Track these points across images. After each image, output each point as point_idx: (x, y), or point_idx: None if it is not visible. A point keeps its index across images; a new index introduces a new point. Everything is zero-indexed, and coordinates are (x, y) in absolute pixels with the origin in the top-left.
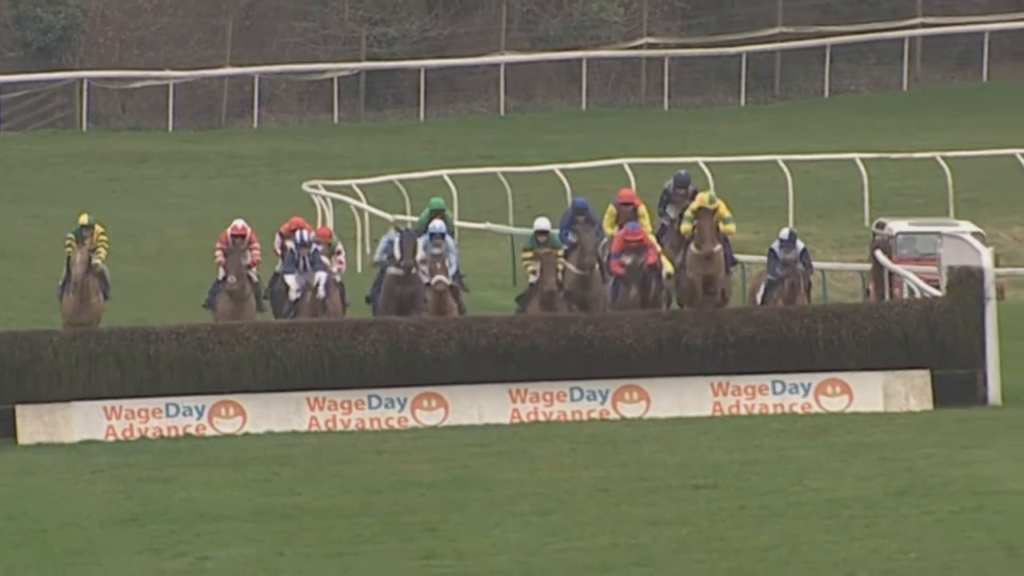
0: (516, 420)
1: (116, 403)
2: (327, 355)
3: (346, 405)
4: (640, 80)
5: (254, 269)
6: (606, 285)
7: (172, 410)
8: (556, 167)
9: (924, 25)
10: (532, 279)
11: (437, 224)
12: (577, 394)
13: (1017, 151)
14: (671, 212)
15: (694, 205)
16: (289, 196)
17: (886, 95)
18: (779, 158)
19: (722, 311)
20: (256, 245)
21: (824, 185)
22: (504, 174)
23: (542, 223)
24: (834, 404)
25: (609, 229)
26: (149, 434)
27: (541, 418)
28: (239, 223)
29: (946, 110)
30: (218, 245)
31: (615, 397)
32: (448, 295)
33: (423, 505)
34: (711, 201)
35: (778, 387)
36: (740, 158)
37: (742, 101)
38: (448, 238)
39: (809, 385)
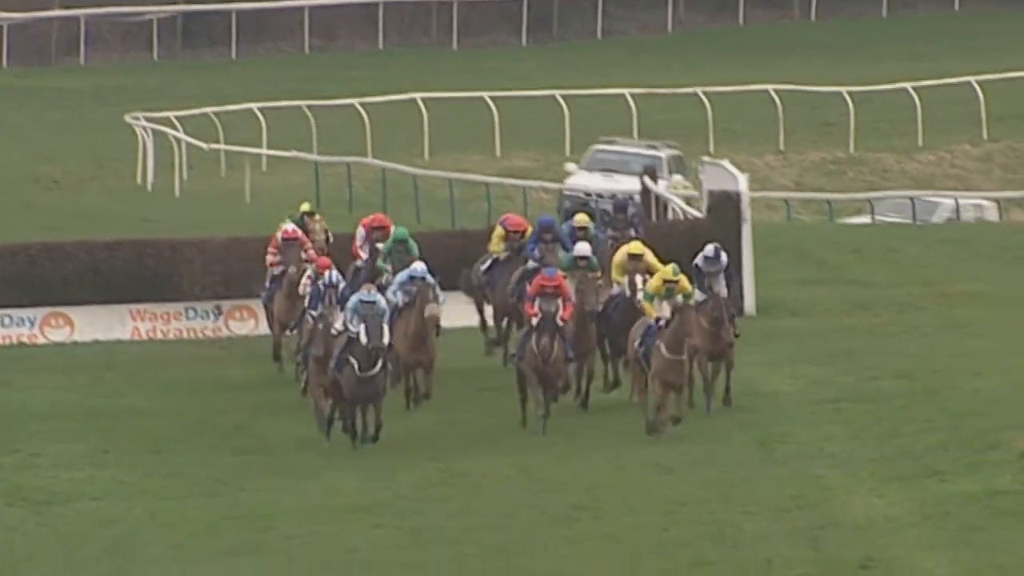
0: None
1: None
2: (148, 271)
3: (165, 316)
4: (432, 22)
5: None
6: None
7: (7, 321)
8: (355, 101)
9: None
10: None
11: (419, 267)
12: None
13: (770, 86)
14: (611, 233)
15: (655, 282)
16: (113, 127)
17: (653, 37)
18: (556, 93)
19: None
20: (309, 246)
21: (598, 118)
22: (308, 107)
23: (582, 248)
24: None
25: (495, 247)
26: None
27: None
28: (289, 227)
29: (707, 50)
30: (270, 249)
31: None
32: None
33: (236, 406)
34: (675, 273)
35: None
36: (522, 93)
37: (523, 41)
38: (429, 277)
39: None
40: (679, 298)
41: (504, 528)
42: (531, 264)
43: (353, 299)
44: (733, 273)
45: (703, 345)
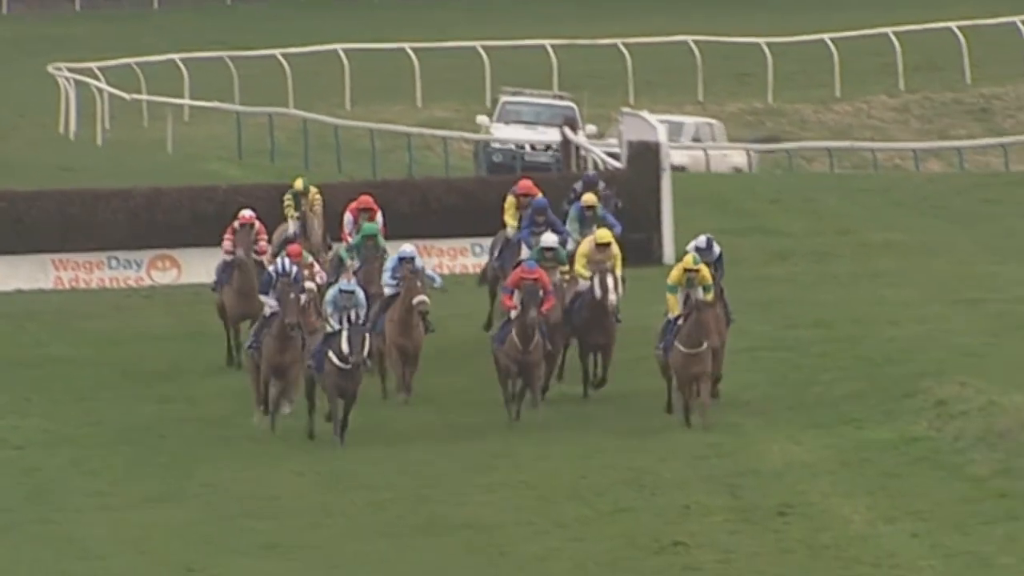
0: None
1: None
2: (70, 220)
3: (87, 266)
4: None
5: (264, 257)
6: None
7: None
8: (277, 52)
9: None
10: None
11: (408, 248)
12: None
13: (689, 38)
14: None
15: (675, 273)
16: (36, 77)
17: None
18: (477, 44)
19: (423, 179)
20: (264, 237)
21: (518, 69)
22: (230, 58)
23: (549, 239)
24: None
25: (511, 221)
26: None
27: None
28: (247, 213)
29: (627, 2)
30: (226, 235)
31: None
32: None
33: (159, 356)
34: (695, 262)
35: (476, 249)
36: (442, 44)
37: None
38: (418, 259)
39: None
40: (700, 291)
41: (422, 475)
42: (548, 241)
43: (332, 290)
44: (722, 263)
45: (713, 343)
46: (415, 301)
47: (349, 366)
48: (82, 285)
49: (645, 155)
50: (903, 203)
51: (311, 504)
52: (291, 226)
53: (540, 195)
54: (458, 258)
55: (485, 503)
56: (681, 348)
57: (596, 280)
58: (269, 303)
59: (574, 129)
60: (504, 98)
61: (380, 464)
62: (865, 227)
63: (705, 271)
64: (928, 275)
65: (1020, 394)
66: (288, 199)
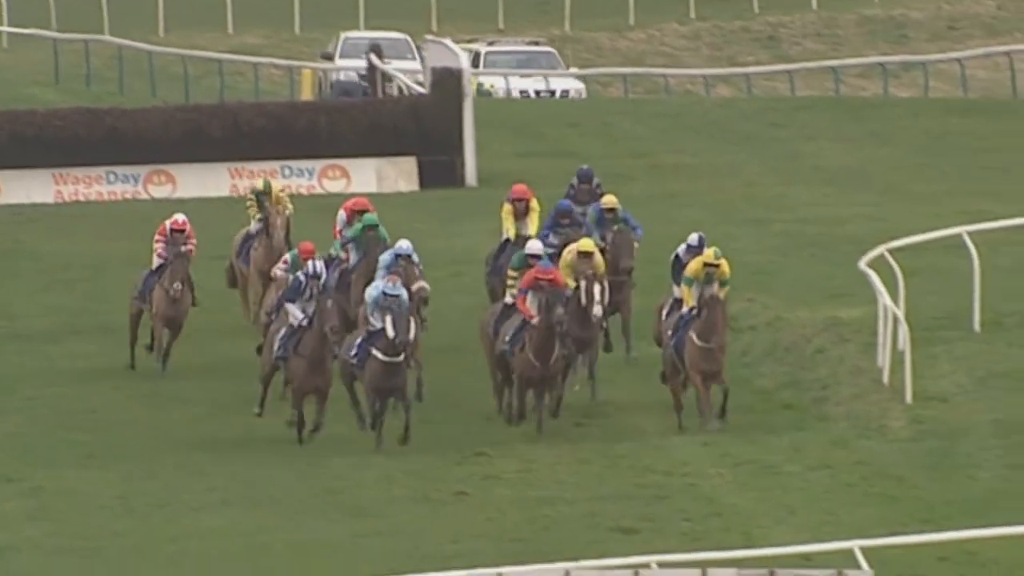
0: (60, 200)
1: None
2: None
3: None
4: None
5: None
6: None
7: None
8: None
9: None
10: (508, 299)
11: (404, 244)
12: (112, 177)
13: None
14: (576, 208)
15: (694, 265)
16: None
17: None
18: None
19: (234, 104)
20: (193, 240)
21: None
22: None
23: (534, 246)
24: (336, 186)
25: (510, 228)
26: None
27: (81, 198)
28: (180, 217)
29: None
30: (157, 237)
31: (146, 180)
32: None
33: None
34: (716, 257)
35: (287, 171)
36: None
37: None
38: (415, 256)
39: (313, 170)
40: (715, 287)
41: (235, 389)
42: (533, 248)
43: (375, 291)
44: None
45: (723, 340)
46: (415, 287)
47: (396, 359)
48: None
49: (448, 81)
50: (694, 127)
51: (129, 418)
52: (252, 226)
53: (566, 201)
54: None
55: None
56: (696, 341)
57: (583, 287)
58: (295, 313)
59: (380, 56)
60: (345, 34)
61: (196, 380)
62: (658, 150)
63: (725, 266)
64: (718, 196)
65: (805, 310)
66: (250, 199)
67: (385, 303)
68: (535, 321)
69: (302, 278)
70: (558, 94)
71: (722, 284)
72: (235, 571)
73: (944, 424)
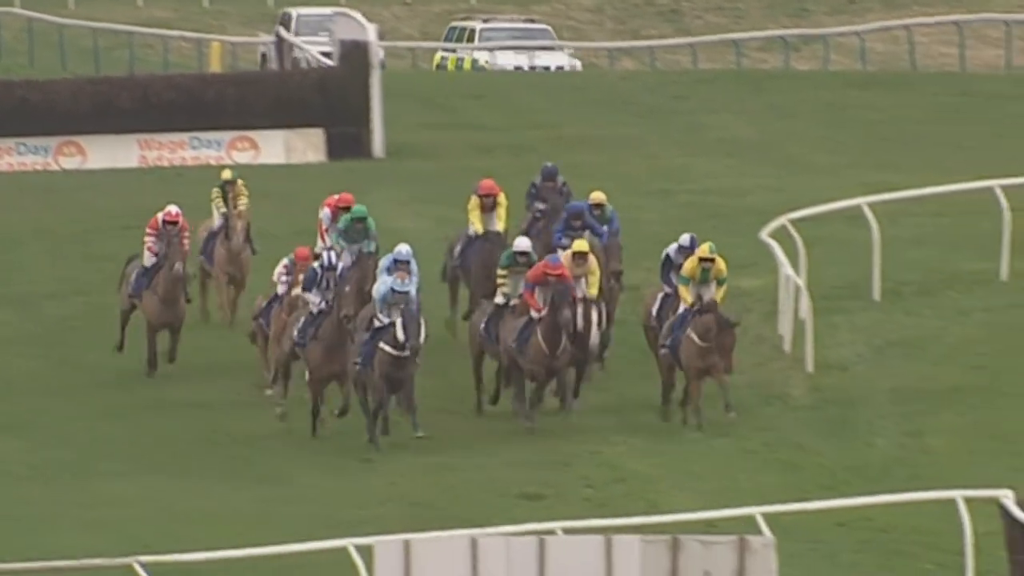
0: None
1: None
2: None
3: None
4: None
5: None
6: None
7: None
8: None
9: None
10: (499, 299)
11: (404, 249)
12: (23, 149)
13: None
14: (539, 206)
15: (689, 263)
16: None
17: None
18: None
19: (144, 76)
20: (187, 234)
21: None
22: None
23: (522, 243)
24: (244, 158)
25: (477, 223)
26: None
27: None
28: (173, 209)
29: None
30: (148, 231)
31: (56, 152)
32: None
33: None
34: (711, 252)
35: (195, 143)
36: None
37: None
38: (413, 262)
39: (222, 142)
40: (713, 286)
41: (140, 356)
42: (521, 245)
43: (383, 287)
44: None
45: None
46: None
47: (404, 353)
48: None
49: (355, 53)
50: (598, 100)
51: (41, 387)
52: (216, 220)
53: (580, 202)
54: (177, 151)
55: (206, 385)
56: (696, 341)
57: (580, 311)
58: (313, 300)
59: (288, 28)
60: (296, 11)
61: (99, 348)
62: (562, 122)
63: (721, 262)
64: (621, 168)
65: None
66: (216, 192)
67: (393, 300)
68: (543, 314)
69: (318, 269)
70: (553, 68)
71: (719, 282)
72: (146, 538)
73: (844, 392)
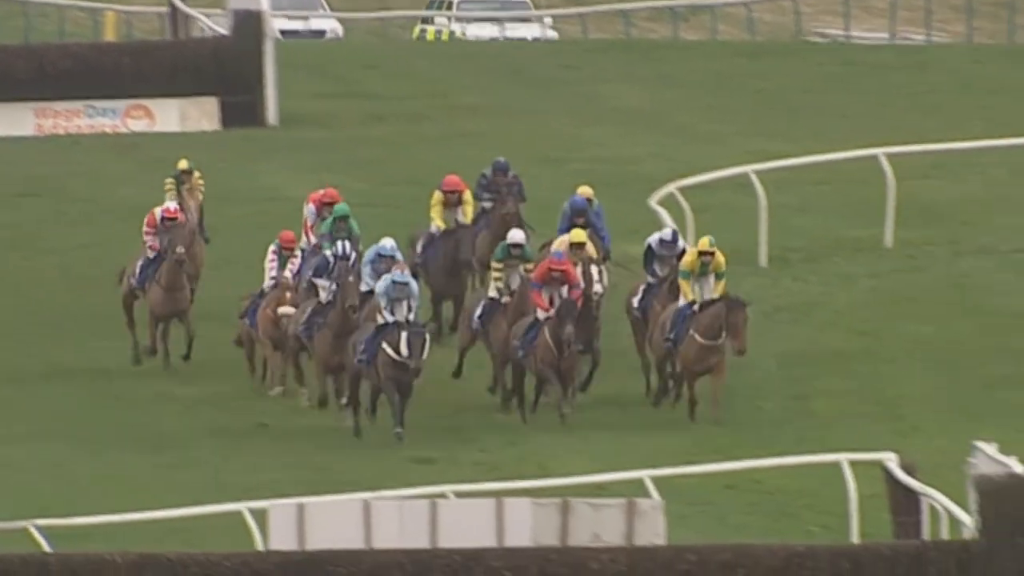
0: None
1: None
2: None
3: None
4: None
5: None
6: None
7: None
8: None
9: None
10: (493, 293)
11: (388, 243)
12: None
13: None
14: (488, 196)
15: (689, 257)
16: None
17: None
18: None
19: (39, 45)
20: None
21: None
22: None
23: (516, 236)
24: (139, 126)
25: (438, 219)
26: None
27: None
28: (171, 205)
29: None
30: (146, 229)
31: None
32: None
33: None
34: (710, 245)
35: (91, 111)
36: None
37: None
38: (398, 254)
39: (117, 110)
40: (712, 279)
41: (38, 323)
42: (515, 237)
43: (384, 281)
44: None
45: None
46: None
47: (408, 362)
48: None
49: (249, 22)
50: (491, 69)
51: None
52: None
53: (582, 197)
54: (73, 120)
55: (105, 351)
56: (698, 339)
57: (579, 270)
58: (324, 285)
59: None
60: None
61: (11, 315)
62: (454, 91)
63: (720, 256)
64: (513, 136)
65: None
66: (170, 181)
67: (395, 292)
68: (550, 314)
69: (331, 258)
70: (530, 39)
71: (718, 276)
72: (39, 502)
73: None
